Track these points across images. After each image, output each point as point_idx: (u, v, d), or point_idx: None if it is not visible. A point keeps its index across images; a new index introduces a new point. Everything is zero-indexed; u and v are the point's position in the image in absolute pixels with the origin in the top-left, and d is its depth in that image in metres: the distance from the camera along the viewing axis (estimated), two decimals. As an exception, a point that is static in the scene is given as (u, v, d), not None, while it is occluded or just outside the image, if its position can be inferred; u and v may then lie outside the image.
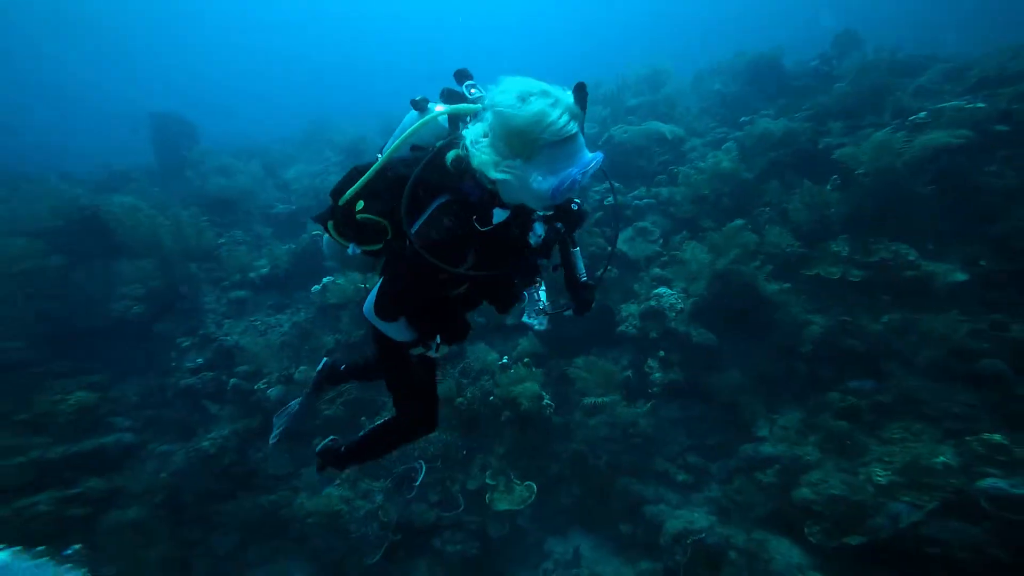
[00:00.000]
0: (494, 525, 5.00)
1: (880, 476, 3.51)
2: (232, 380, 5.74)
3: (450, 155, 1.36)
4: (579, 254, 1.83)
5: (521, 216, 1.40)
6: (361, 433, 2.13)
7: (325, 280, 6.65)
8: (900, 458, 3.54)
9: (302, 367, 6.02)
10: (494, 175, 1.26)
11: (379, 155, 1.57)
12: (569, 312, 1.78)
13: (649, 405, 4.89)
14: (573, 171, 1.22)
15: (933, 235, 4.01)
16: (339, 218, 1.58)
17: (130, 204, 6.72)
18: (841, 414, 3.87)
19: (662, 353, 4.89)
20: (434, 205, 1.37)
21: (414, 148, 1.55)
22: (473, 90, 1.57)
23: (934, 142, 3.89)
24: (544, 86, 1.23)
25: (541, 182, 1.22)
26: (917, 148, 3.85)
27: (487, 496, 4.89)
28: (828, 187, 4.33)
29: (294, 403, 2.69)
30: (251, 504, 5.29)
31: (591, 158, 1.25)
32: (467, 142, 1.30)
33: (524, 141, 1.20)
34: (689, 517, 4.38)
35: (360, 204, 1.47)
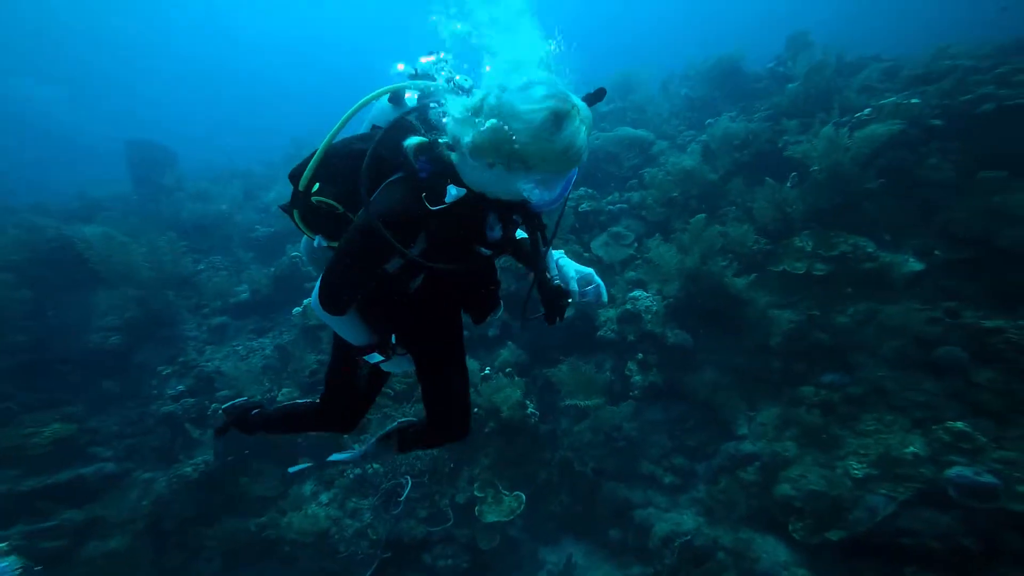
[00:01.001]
0: (484, 537, 4.97)
1: (856, 469, 3.55)
2: (213, 405, 5.68)
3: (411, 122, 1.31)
4: (552, 255, 1.65)
5: (477, 202, 1.28)
6: (278, 405, 2.08)
7: (306, 301, 6.64)
8: (874, 450, 3.58)
9: (284, 389, 5.98)
10: (469, 162, 1.17)
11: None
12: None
13: (632, 408, 4.94)
14: (566, 185, 1.21)
15: (889, 227, 4.15)
16: (301, 205, 1.47)
17: (102, 233, 6.63)
18: (815, 408, 3.93)
19: (640, 356, 4.95)
20: (384, 183, 1.30)
21: (375, 128, 1.47)
22: (443, 72, 1.46)
23: (873, 134, 4.04)
24: (567, 98, 1.10)
25: (532, 191, 1.16)
26: (859, 142, 4.02)
27: (476, 508, 4.87)
28: (788, 184, 4.47)
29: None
30: (236, 527, 5.21)
31: (574, 173, 1.23)
32: (450, 113, 1.19)
33: (537, 158, 1.11)
34: (677, 519, 4.40)
35: (316, 187, 1.40)
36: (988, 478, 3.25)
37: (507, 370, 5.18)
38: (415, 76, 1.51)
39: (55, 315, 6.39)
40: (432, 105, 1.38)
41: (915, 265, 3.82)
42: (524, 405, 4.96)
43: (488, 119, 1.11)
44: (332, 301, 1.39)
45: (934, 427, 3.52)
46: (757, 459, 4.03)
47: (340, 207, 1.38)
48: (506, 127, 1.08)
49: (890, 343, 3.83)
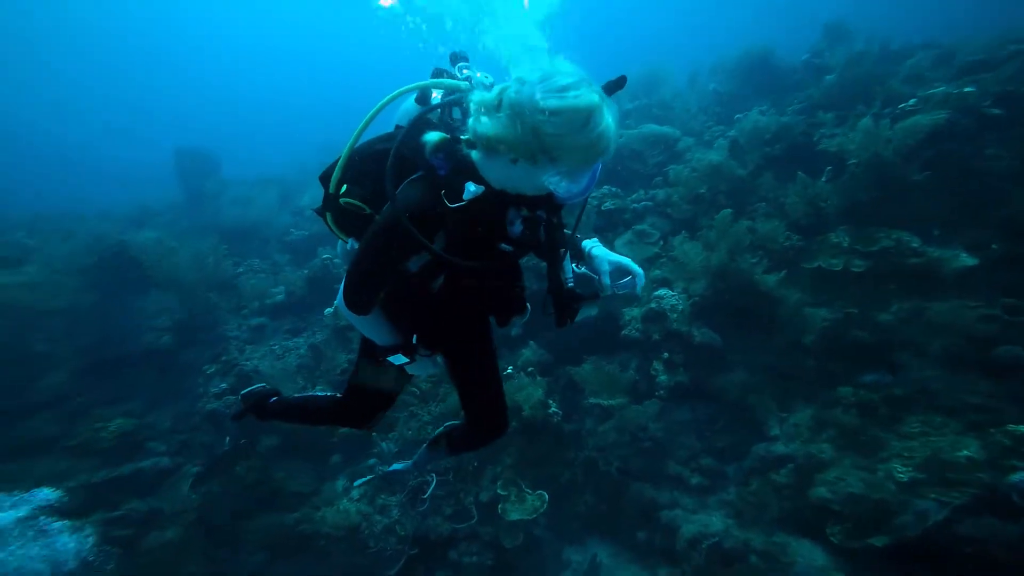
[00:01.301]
0: (508, 536, 5.01)
1: (901, 473, 3.34)
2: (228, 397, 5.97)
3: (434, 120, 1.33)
4: (585, 245, 1.60)
5: (497, 198, 1.26)
6: (299, 395, 2.06)
7: (337, 302, 6.91)
8: (920, 453, 3.37)
9: (318, 387, 6.24)
10: (490, 158, 1.17)
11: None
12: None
13: (658, 407, 4.84)
14: (593, 176, 1.18)
15: (937, 222, 3.86)
16: (332, 207, 1.49)
17: (154, 238, 7.14)
18: (853, 409, 3.73)
19: (666, 355, 4.84)
20: (405, 183, 1.29)
21: (398, 127, 1.47)
22: (465, 71, 1.48)
23: (916, 125, 3.79)
24: (593, 87, 1.09)
25: (558, 184, 1.12)
26: (900, 133, 3.75)
27: (499, 507, 4.92)
28: (823, 179, 4.25)
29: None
30: (274, 521, 5.49)
31: (599, 166, 1.20)
32: (472, 104, 1.18)
33: (565, 150, 1.08)
34: (705, 521, 4.28)
35: (344, 188, 1.42)
36: None
37: (529, 369, 5.20)
38: (438, 74, 1.52)
39: (115, 316, 6.94)
40: (454, 102, 1.38)
41: (967, 260, 3.55)
42: (546, 404, 4.96)
43: (508, 113, 1.09)
44: (355, 299, 1.39)
45: (992, 430, 3.27)
46: (791, 461, 3.87)
47: (367, 208, 1.40)
48: (530, 120, 1.05)
49: (939, 342, 3.58)
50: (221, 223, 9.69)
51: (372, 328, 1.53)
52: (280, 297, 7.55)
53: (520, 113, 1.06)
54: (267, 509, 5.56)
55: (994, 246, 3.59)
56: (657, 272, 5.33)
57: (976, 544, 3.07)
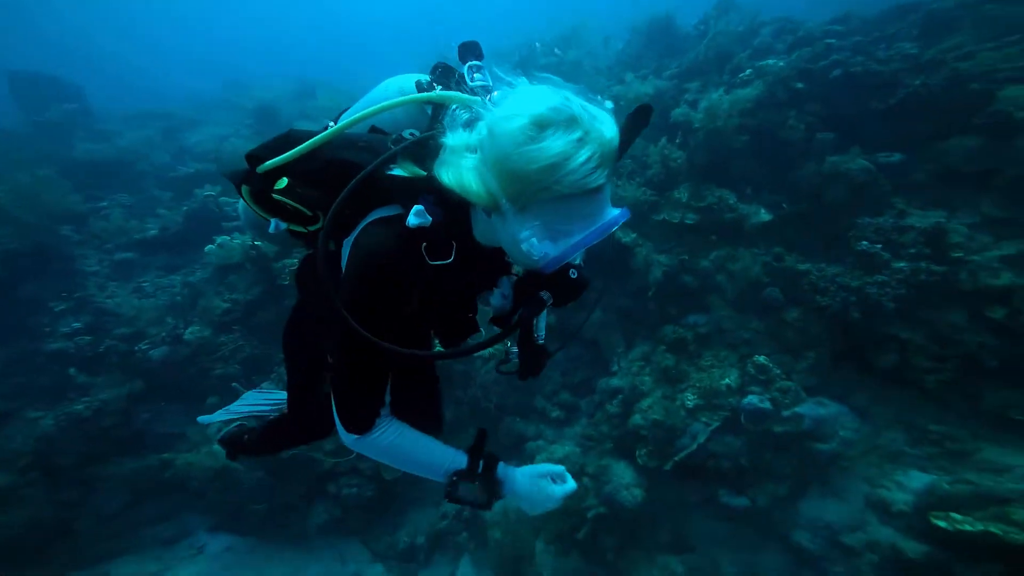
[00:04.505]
0: (388, 469, 5.21)
1: (690, 400, 3.86)
2: (111, 343, 5.42)
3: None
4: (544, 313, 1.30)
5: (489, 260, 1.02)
6: (263, 423, 1.74)
7: (219, 240, 6.35)
8: (705, 383, 3.93)
9: (193, 327, 5.79)
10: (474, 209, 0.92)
11: (331, 123, 1.16)
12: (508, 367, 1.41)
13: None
14: (581, 239, 0.82)
15: (750, 183, 4.48)
16: (256, 188, 1.13)
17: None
18: (672, 346, 4.25)
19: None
20: (371, 217, 1.00)
21: (373, 129, 1.17)
22: (476, 74, 1.14)
23: (739, 97, 4.28)
24: (574, 107, 0.79)
25: (533, 244, 0.83)
26: (729, 103, 4.26)
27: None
28: (678, 140, 4.76)
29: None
30: (140, 465, 5.15)
31: (610, 220, 0.84)
32: (447, 149, 0.90)
33: (524, 187, 0.80)
34: (556, 450, 4.81)
35: (283, 183, 1.07)
36: (766, 404, 3.65)
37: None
38: (442, 77, 1.17)
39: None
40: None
41: (764, 216, 4.16)
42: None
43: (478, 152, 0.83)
44: (362, 423, 1.04)
45: (748, 361, 3.90)
46: (621, 393, 4.31)
47: (308, 211, 1.10)
48: (487, 148, 0.82)
49: (733, 285, 4.17)
50: (76, 156, 8.34)
51: (406, 451, 1.10)
52: (153, 232, 6.76)
53: (490, 155, 0.82)
54: (129, 453, 5.18)
55: (784, 205, 4.27)
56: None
57: (716, 458, 3.70)
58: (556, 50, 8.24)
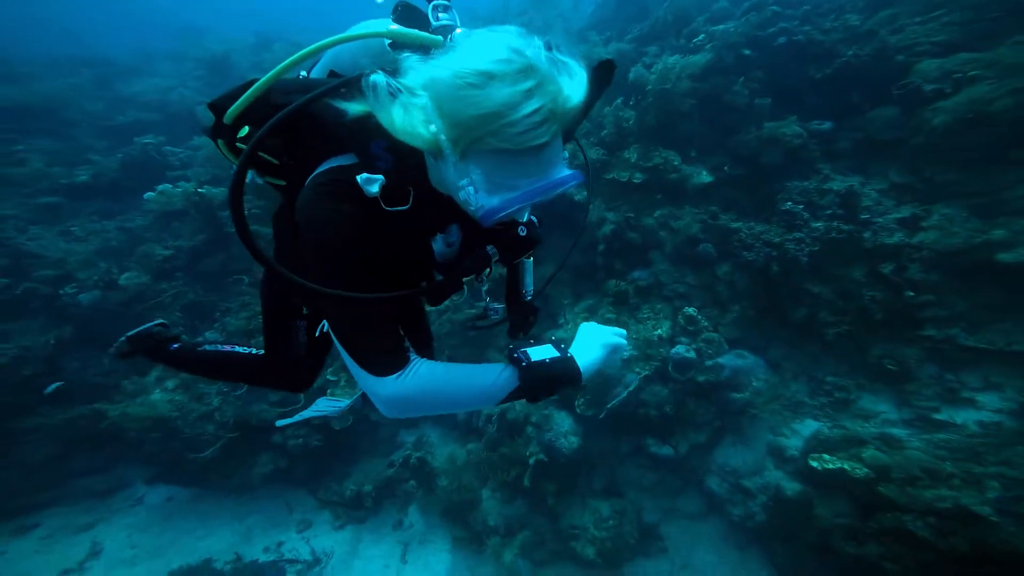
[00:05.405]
0: (337, 420, 5.21)
1: (626, 351, 4.15)
2: (31, 285, 5.05)
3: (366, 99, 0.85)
4: (530, 266, 1.33)
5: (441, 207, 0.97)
6: (211, 347, 1.63)
7: (160, 187, 6.01)
8: (642, 334, 4.10)
9: (129, 273, 5.50)
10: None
11: (303, 73, 1.14)
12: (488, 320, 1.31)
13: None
14: (519, 195, 0.77)
15: (696, 146, 4.64)
16: (227, 139, 1.09)
17: None
18: (615, 299, 4.39)
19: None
20: (327, 165, 0.95)
21: (333, 74, 1.13)
22: (442, 14, 1.10)
23: (690, 62, 4.39)
24: (533, 57, 0.73)
25: (470, 194, 0.80)
26: (680, 68, 4.36)
27: (328, 391, 5.04)
28: (631, 102, 4.84)
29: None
30: (69, 415, 4.91)
31: (556, 180, 0.79)
32: (392, 88, 0.83)
33: (463, 132, 0.75)
34: (505, 404, 4.96)
35: (245, 130, 1.04)
36: (691, 354, 3.87)
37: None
38: (405, 15, 1.11)
39: None
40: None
41: (706, 177, 4.34)
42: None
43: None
44: (384, 365, 0.93)
45: (679, 314, 4.12)
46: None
47: (274, 159, 1.06)
48: (434, 93, 0.77)
49: (672, 241, 4.35)
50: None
51: (452, 375, 0.98)
52: (83, 178, 6.30)
53: (437, 100, 0.78)
54: (56, 404, 4.92)
55: (725, 168, 4.45)
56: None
57: (645, 407, 3.91)
58: (530, 10, 8.20)
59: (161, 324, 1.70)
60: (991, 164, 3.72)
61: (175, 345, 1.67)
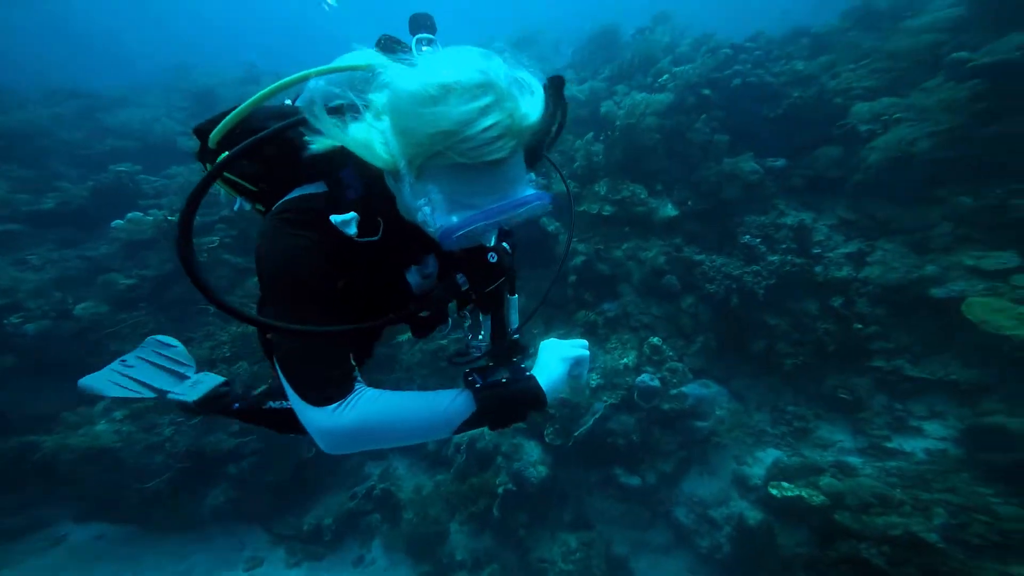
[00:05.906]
0: (306, 447, 5.00)
1: (594, 381, 4.05)
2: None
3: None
4: (515, 302, 1.28)
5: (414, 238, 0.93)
6: (279, 405, 1.39)
7: (129, 215, 5.93)
8: (609, 364, 4.14)
9: (86, 303, 5.31)
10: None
11: (288, 101, 1.11)
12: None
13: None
14: (478, 213, 0.74)
15: (662, 179, 4.84)
16: (211, 163, 1.06)
17: None
18: (584, 330, 4.43)
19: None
20: (296, 193, 0.92)
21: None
22: (426, 47, 1.11)
23: (653, 100, 4.67)
24: (492, 74, 0.72)
25: (427, 214, 0.76)
26: (644, 106, 4.63)
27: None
28: (602, 137, 5.00)
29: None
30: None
31: (519, 199, 0.76)
32: (356, 110, 0.81)
33: (419, 150, 0.73)
34: (472, 433, 4.89)
35: (224, 156, 0.93)
36: (655, 383, 3.90)
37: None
38: (388, 47, 1.12)
39: None
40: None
41: (671, 211, 4.52)
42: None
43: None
44: (316, 397, 0.85)
45: (645, 343, 4.19)
46: None
47: (252, 186, 1.04)
48: (390, 110, 0.76)
49: (639, 273, 4.46)
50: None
51: (398, 402, 0.88)
52: (49, 205, 6.18)
53: (393, 117, 0.76)
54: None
55: (689, 202, 4.66)
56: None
57: (613, 436, 3.92)
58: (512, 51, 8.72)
59: (225, 384, 1.58)
60: (919, 202, 3.99)
61: (237, 405, 1.53)
